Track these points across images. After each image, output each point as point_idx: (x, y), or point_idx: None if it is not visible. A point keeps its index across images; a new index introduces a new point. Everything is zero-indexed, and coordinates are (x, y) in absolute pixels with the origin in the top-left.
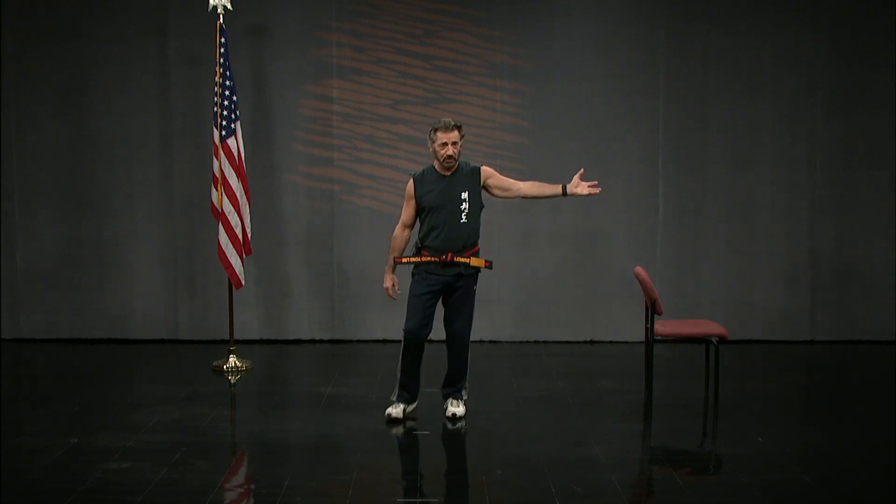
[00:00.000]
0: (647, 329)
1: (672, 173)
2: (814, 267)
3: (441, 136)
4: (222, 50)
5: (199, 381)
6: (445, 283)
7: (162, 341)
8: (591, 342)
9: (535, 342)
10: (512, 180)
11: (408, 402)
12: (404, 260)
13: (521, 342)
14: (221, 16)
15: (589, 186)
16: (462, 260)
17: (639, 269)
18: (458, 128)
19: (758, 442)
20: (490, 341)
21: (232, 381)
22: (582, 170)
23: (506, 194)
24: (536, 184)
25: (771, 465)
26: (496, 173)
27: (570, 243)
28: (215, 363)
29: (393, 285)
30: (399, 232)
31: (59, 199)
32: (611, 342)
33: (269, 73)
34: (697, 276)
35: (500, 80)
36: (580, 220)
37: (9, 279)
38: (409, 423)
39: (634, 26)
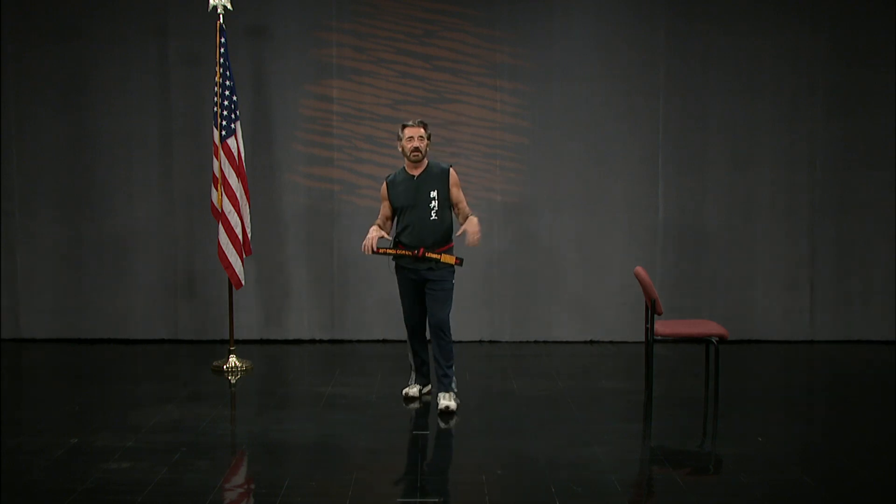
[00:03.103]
0: (647, 329)
1: (672, 173)
2: (814, 267)
3: (408, 132)
4: (222, 50)
5: (199, 381)
6: (421, 278)
7: (162, 341)
8: (591, 342)
9: (535, 342)
10: (464, 203)
11: (423, 384)
12: (380, 250)
13: (521, 342)
14: (221, 16)
15: (471, 236)
16: (433, 256)
17: (639, 269)
18: (425, 126)
19: (758, 442)
20: (490, 341)
21: (232, 381)
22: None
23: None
24: (466, 216)
25: (771, 465)
26: (458, 184)
27: (570, 243)
28: (215, 363)
29: (373, 239)
30: (377, 223)
31: (59, 199)
32: (611, 342)
33: (269, 73)
34: (697, 276)
35: (500, 80)
36: (580, 220)
37: (9, 279)
38: (412, 422)
39: (634, 26)
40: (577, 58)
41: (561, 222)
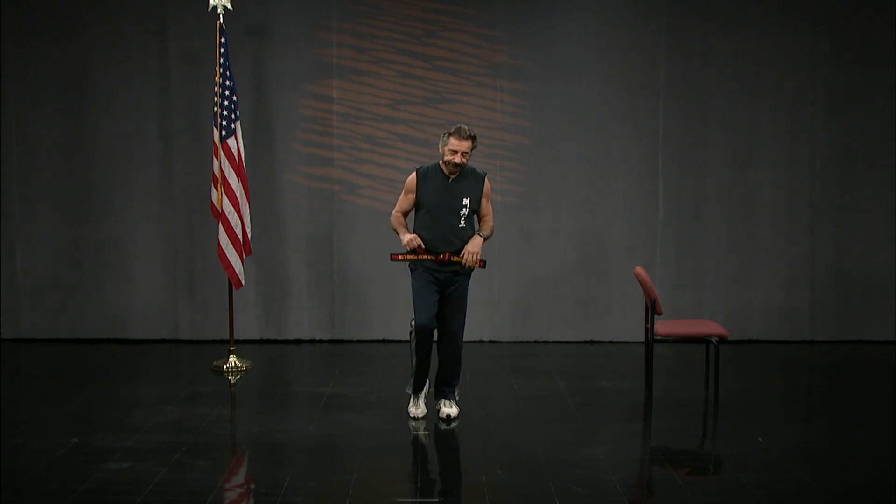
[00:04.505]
0: (647, 329)
1: (672, 173)
2: (814, 267)
3: (454, 143)
4: (222, 50)
5: (199, 381)
6: (444, 279)
7: (162, 341)
8: (591, 342)
9: (535, 342)
10: (490, 214)
11: (423, 394)
12: (400, 257)
13: (521, 342)
14: (221, 16)
15: (468, 255)
16: (458, 259)
17: (639, 269)
18: (473, 138)
19: (758, 442)
20: (490, 341)
21: (232, 381)
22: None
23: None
24: (487, 228)
25: (771, 465)
26: (489, 195)
27: (570, 243)
28: (215, 363)
29: (416, 237)
30: (397, 215)
31: (59, 200)
32: (611, 342)
33: (269, 73)
34: (697, 276)
35: (500, 80)
36: (580, 220)
37: (9, 279)
38: (412, 423)
39: (634, 26)
40: (577, 58)
41: (561, 222)
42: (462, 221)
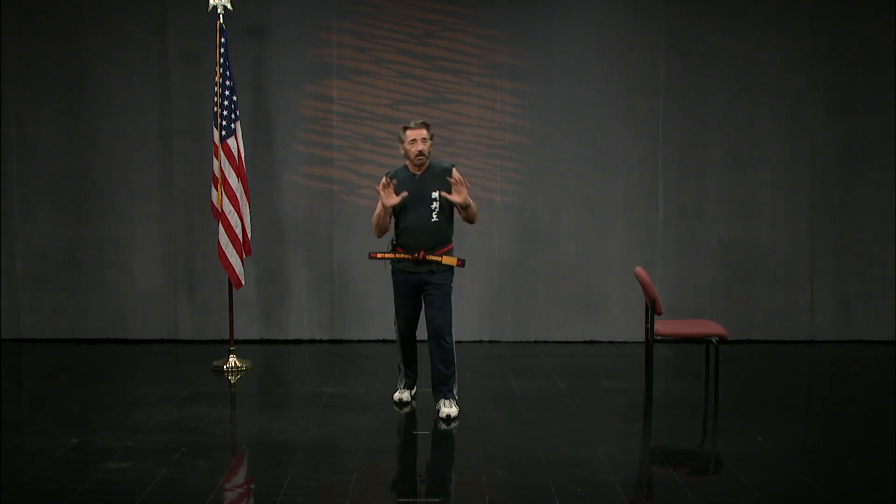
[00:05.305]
0: (647, 329)
1: (672, 173)
2: (814, 267)
3: (410, 134)
4: (222, 50)
5: (199, 381)
6: (420, 281)
7: (162, 341)
8: (591, 342)
9: (535, 342)
10: (469, 200)
11: (411, 387)
12: (378, 255)
13: (521, 342)
14: (221, 16)
15: (455, 189)
16: (433, 258)
17: (639, 269)
18: (427, 126)
19: (758, 442)
20: (490, 341)
21: (232, 381)
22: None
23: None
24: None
25: (771, 465)
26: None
27: (570, 243)
28: (215, 363)
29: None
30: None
31: (59, 200)
32: (611, 342)
33: (269, 73)
34: (697, 276)
35: (500, 80)
36: (580, 220)
37: (9, 279)
38: (412, 423)
39: (634, 26)
40: (577, 58)
41: (561, 222)
42: (434, 216)
